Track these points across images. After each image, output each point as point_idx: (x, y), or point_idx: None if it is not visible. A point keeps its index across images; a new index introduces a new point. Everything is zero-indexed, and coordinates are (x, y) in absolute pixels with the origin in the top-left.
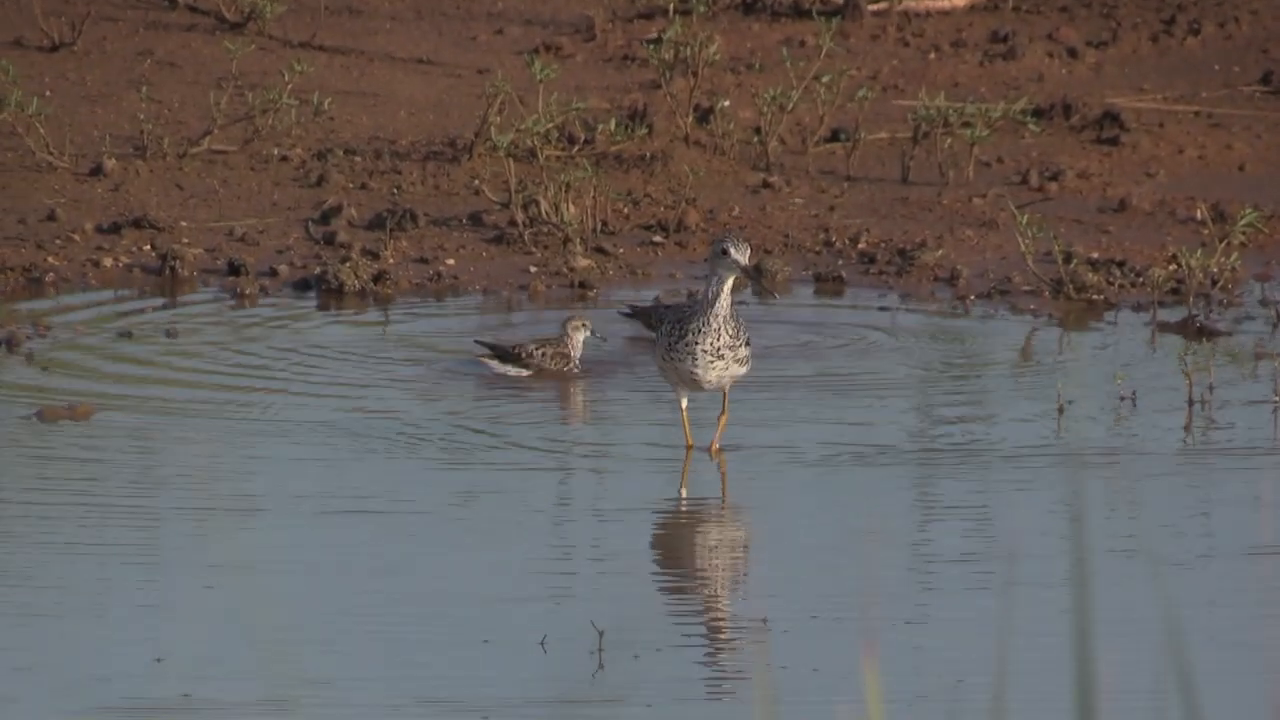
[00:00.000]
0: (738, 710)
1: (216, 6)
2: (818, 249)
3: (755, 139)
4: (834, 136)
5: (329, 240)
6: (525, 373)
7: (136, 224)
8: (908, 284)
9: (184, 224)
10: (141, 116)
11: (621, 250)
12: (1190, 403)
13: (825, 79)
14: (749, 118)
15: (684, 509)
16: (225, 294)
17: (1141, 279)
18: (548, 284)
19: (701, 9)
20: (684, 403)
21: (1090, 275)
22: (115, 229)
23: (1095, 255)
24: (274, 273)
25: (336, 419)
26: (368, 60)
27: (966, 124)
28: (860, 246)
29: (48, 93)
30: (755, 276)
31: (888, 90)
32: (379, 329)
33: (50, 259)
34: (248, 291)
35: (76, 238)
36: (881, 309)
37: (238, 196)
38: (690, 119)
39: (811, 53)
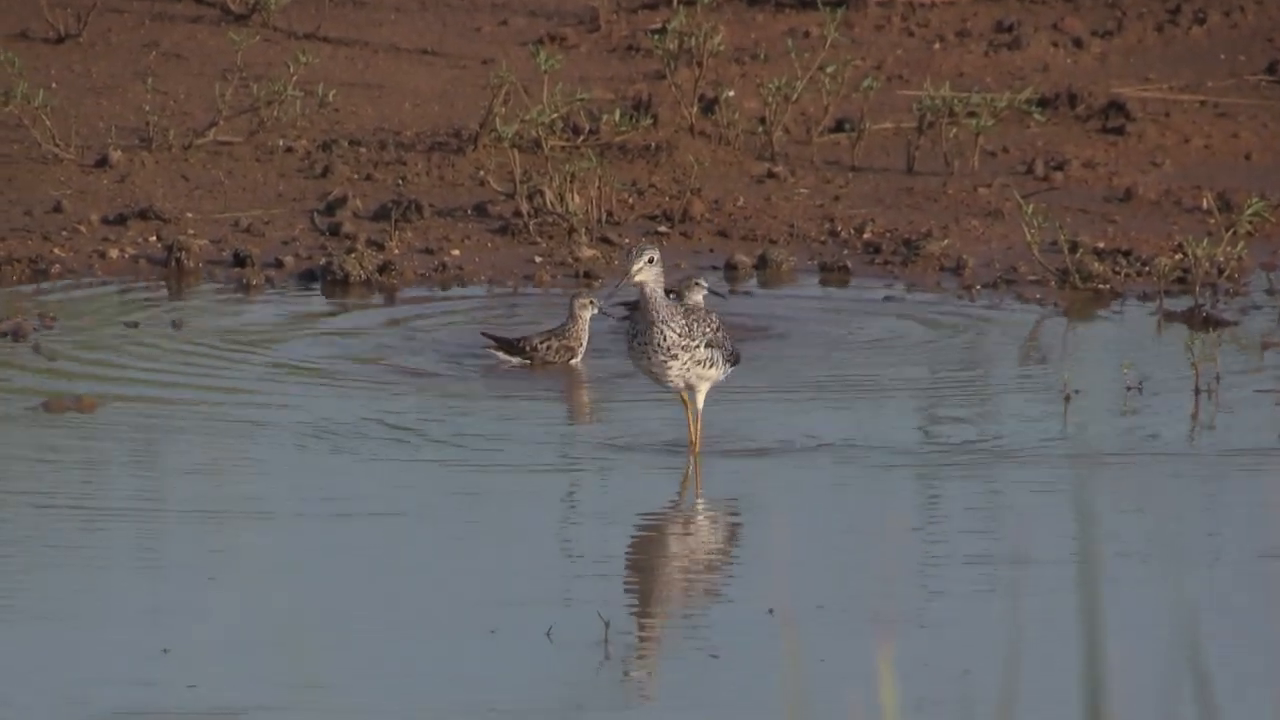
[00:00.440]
0: (745, 701)
1: None
2: (823, 239)
3: (760, 129)
4: (839, 127)
5: (334, 231)
6: (529, 363)
7: (142, 215)
8: (913, 274)
9: (189, 215)
10: (147, 108)
11: (627, 240)
12: (1197, 392)
13: (830, 69)
14: (754, 108)
15: (690, 508)
16: (231, 285)
17: (1147, 268)
18: (553, 274)
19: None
20: (686, 397)
21: (1096, 265)
22: (121, 220)
23: (1101, 245)
24: (279, 264)
25: (340, 412)
26: (372, 51)
27: (971, 114)
28: (865, 236)
29: (53, 84)
30: (640, 286)
31: (892, 80)
32: (384, 320)
33: (56, 250)
34: (253, 282)
35: (82, 229)
36: (887, 299)
37: (243, 188)
38: (695, 109)
39: (816, 43)
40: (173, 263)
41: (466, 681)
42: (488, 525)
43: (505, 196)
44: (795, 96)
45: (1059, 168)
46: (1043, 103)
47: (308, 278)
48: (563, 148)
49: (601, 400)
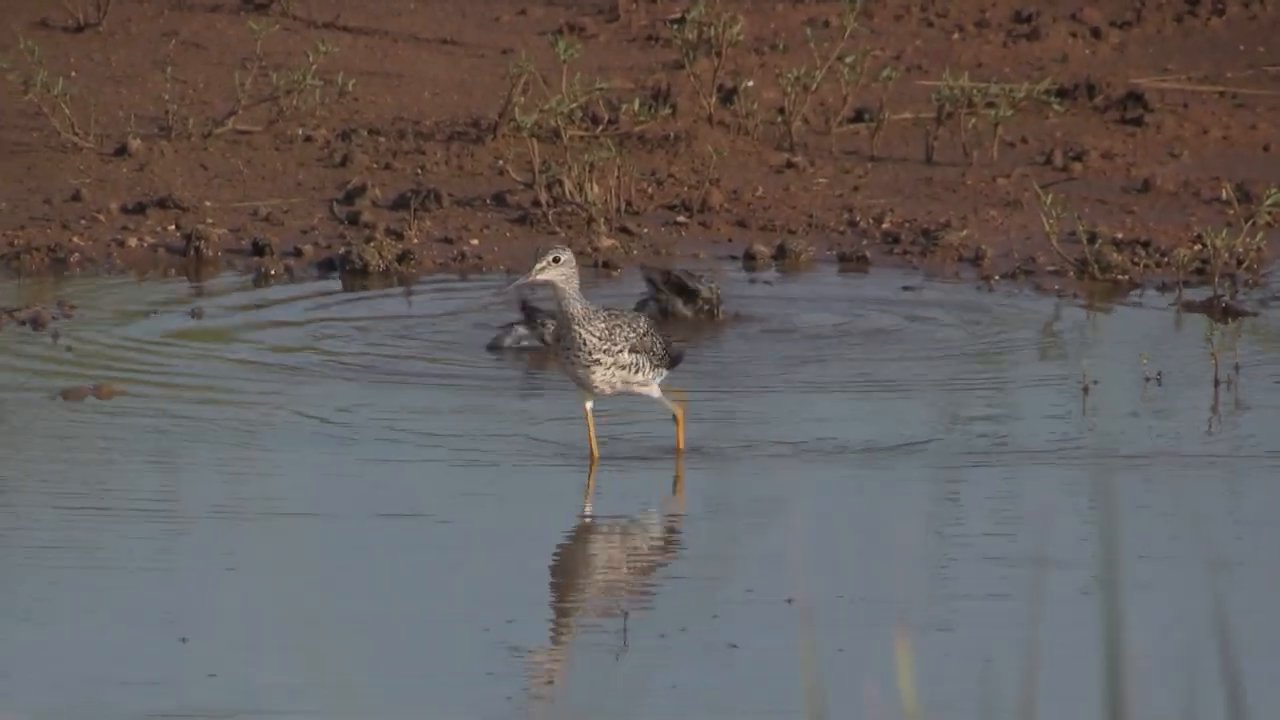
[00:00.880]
0: (761, 688)
1: None
2: (842, 229)
3: (779, 119)
4: (858, 117)
5: (353, 220)
6: (540, 344)
7: (161, 204)
8: (932, 264)
9: (208, 204)
10: (166, 97)
11: (645, 230)
12: (1216, 383)
13: (849, 59)
14: (772, 98)
15: (712, 506)
16: (250, 274)
17: (1166, 259)
18: None
19: None
20: (588, 405)
21: (1115, 255)
22: (140, 209)
23: (1120, 235)
24: (298, 253)
25: (355, 405)
26: (392, 41)
27: (990, 104)
28: (884, 226)
29: (73, 73)
30: (551, 287)
31: (911, 70)
32: (402, 309)
33: (75, 239)
34: (272, 272)
35: (101, 218)
36: (906, 289)
37: (262, 177)
38: (714, 99)
39: (835, 33)
40: (192, 252)
41: (483, 673)
42: (503, 525)
43: (524, 186)
44: (814, 86)
45: (1077, 158)
46: (1061, 93)
47: (327, 267)
48: (582, 137)
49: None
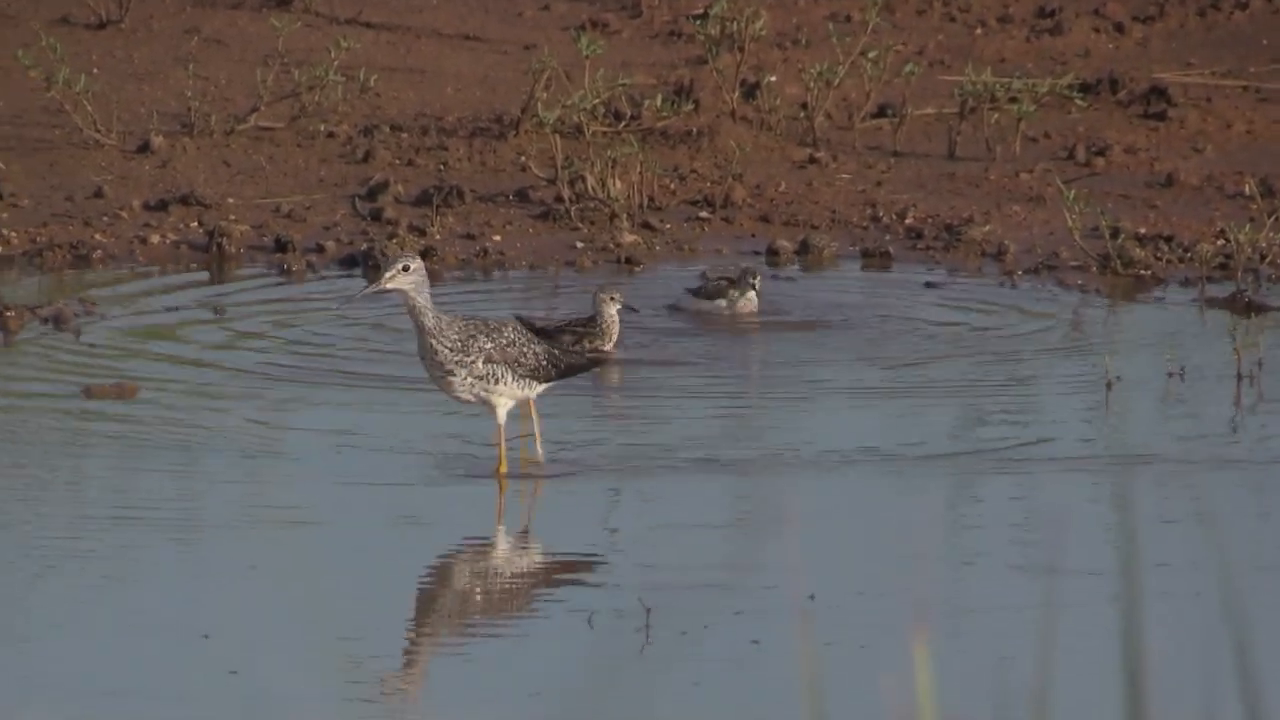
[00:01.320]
0: (784, 683)
1: None
2: (865, 224)
3: (801, 114)
4: (880, 112)
5: (375, 216)
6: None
7: (184, 201)
8: (955, 259)
9: (231, 200)
10: (188, 94)
11: (668, 226)
12: (1239, 378)
13: (872, 54)
14: (795, 93)
15: (740, 512)
16: (272, 270)
17: (1189, 254)
18: (594, 259)
19: None
20: (501, 415)
21: (1138, 250)
22: (162, 206)
23: (1143, 230)
24: (321, 249)
25: (382, 405)
26: (414, 36)
27: (1013, 99)
28: (907, 222)
29: (95, 70)
30: (402, 296)
31: (934, 66)
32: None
33: (98, 236)
34: (294, 268)
35: (124, 215)
36: (928, 284)
37: (284, 173)
38: (736, 94)
39: (858, 28)
40: (214, 248)
41: (512, 666)
42: (535, 525)
43: (546, 182)
44: (837, 82)
45: (1100, 153)
46: (1084, 88)
47: (349, 263)
48: (604, 133)
49: (637, 397)
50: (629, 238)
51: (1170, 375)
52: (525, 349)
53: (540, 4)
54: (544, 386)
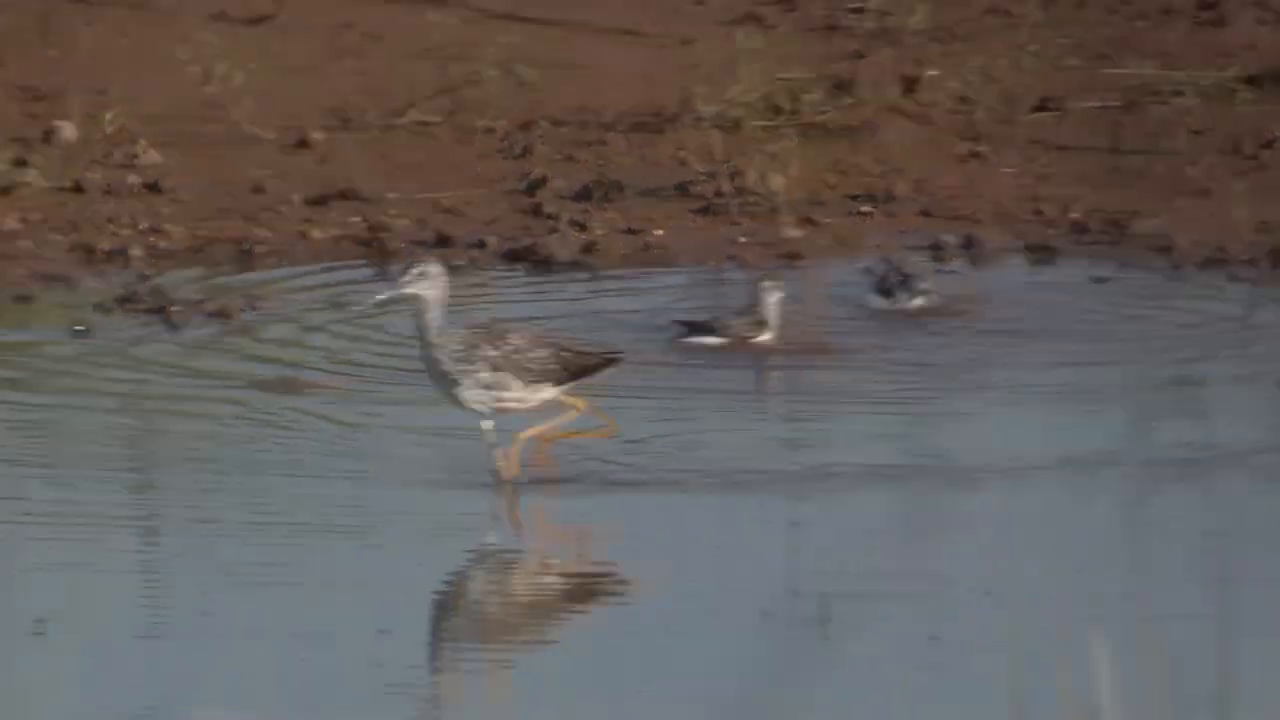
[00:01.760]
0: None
1: None
2: (1028, 219)
3: (962, 109)
4: (1042, 106)
5: (536, 211)
6: (723, 341)
7: (343, 195)
8: (1122, 254)
9: (390, 195)
10: (346, 88)
11: (829, 220)
12: None
13: (1032, 48)
14: (955, 87)
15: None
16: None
17: None
18: (758, 254)
19: None
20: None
21: None
22: (322, 201)
23: None
24: (482, 244)
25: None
26: (572, 31)
27: (1177, 92)
28: (1072, 216)
29: (251, 65)
30: (416, 301)
31: (1095, 59)
32: (589, 302)
33: (259, 231)
34: (457, 263)
35: (284, 210)
36: (1095, 279)
37: (443, 168)
38: (896, 89)
39: (1018, 21)
40: (375, 243)
41: (672, 668)
42: (682, 526)
43: (706, 177)
44: (998, 76)
45: (1267, 146)
46: (1249, 80)
47: (511, 258)
48: (763, 127)
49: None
50: (793, 232)
51: None
52: (530, 354)
53: None
54: (556, 390)
